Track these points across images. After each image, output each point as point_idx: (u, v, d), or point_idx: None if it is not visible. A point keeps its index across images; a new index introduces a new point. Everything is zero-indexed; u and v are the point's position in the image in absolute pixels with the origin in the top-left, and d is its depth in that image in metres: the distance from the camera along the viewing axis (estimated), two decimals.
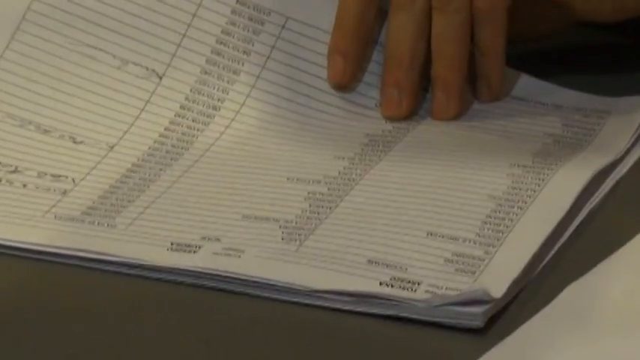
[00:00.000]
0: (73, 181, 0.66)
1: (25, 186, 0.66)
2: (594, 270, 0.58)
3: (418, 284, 0.55)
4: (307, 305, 0.56)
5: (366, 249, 0.59)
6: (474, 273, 0.56)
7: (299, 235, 0.60)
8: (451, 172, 0.66)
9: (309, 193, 0.64)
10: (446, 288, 0.55)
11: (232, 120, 0.72)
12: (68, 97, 0.72)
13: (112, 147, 0.70)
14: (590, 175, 0.65)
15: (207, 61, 0.74)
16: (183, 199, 0.66)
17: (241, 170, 0.68)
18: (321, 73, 0.73)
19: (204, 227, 0.61)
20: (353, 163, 0.67)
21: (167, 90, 0.73)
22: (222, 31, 0.73)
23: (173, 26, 0.73)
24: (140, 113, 0.72)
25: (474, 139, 0.70)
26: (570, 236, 0.62)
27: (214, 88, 0.73)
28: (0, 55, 0.73)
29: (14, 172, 0.67)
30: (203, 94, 0.72)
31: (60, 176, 0.67)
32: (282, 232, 0.61)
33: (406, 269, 0.57)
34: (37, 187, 0.65)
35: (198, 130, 0.72)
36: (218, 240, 0.60)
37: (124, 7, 0.73)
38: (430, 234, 0.60)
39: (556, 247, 0.61)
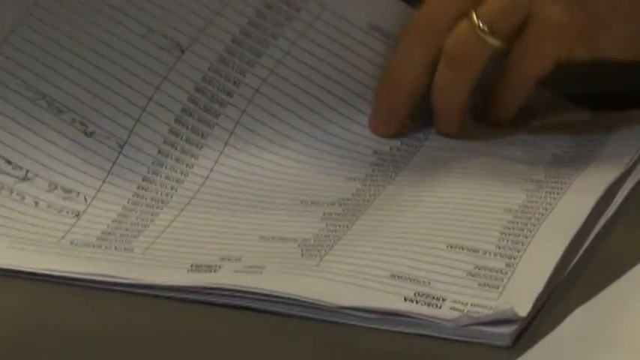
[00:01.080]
0: (85, 199, 0.66)
1: (37, 204, 0.66)
2: (604, 292, 0.59)
3: (443, 300, 0.55)
4: (330, 322, 0.56)
5: (387, 262, 0.59)
6: (497, 288, 0.57)
7: (318, 251, 0.60)
8: (464, 187, 0.66)
9: (324, 213, 0.65)
10: (471, 304, 0.55)
11: (229, 139, 0.72)
12: (82, 76, 0.70)
13: (122, 146, 0.69)
14: (603, 188, 0.66)
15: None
16: (198, 222, 0.66)
17: (253, 193, 0.68)
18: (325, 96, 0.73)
19: (223, 249, 0.62)
20: (365, 185, 0.68)
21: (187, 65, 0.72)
22: (240, 32, 0.73)
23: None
24: (154, 93, 0.70)
25: (484, 155, 0.71)
26: (587, 249, 0.62)
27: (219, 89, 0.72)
28: (19, 21, 0.71)
29: (24, 179, 0.66)
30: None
31: (71, 191, 0.66)
32: (302, 250, 0.61)
33: (429, 283, 0.57)
34: (48, 207, 0.65)
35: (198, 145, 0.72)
36: (238, 260, 0.60)
37: None
38: (450, 246, 0.60)
39: (575, 260, 0.61)
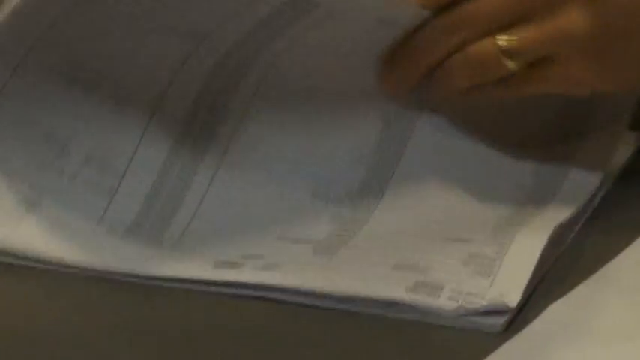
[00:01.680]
0: (117, 173, 0.69)
1: (75, 178, 0.68)
2: (581, 286, 0.64)
3: (441, 289, 0.60)
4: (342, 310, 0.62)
5: (390, 256, 0.64)
6: (489, 275, 0.62)
7: (329, 249, 0.66)
8: (454, 196, 0.71)
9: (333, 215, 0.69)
10: (467, 293, 0.60)
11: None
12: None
13: (151, 117, 0.70)
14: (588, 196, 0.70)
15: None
16: (220, 215, 0.69)
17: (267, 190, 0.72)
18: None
19: (243, 247, 0.66)
20: (370, 178, 0.71)
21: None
22: None
23: None
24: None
25: (466, 168, 0.73)
26: (571, 242, 0.68)
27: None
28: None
29: (62, 153, 0.69)
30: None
31: (106, 161, 0.69)
32: (314, 249, 0.66)
33: (428, 272, 0.62)
34: (85, 183, 0.69)
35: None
36: (260, 257, 0.65)
37: None
38: (447, 239, 0.65)
39: (564, 247, 0.66)
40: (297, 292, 0.61)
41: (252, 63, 0.71)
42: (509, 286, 0.61)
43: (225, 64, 0.70)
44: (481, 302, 0.59)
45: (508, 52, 0.69)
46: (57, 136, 0.71)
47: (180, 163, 0.71)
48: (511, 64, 0.69)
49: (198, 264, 0.65)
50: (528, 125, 0.76)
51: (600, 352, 0.60)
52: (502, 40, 0.69)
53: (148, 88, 0.70)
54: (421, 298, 0.60)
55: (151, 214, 0.70)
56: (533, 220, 0.68)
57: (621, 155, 0.76)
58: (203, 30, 0.69)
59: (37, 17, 0.67)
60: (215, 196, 0.71)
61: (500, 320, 0.59)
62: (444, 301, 0.60)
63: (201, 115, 0.72)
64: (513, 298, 0.59)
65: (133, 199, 0.70)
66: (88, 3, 0.68)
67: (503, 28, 0.69)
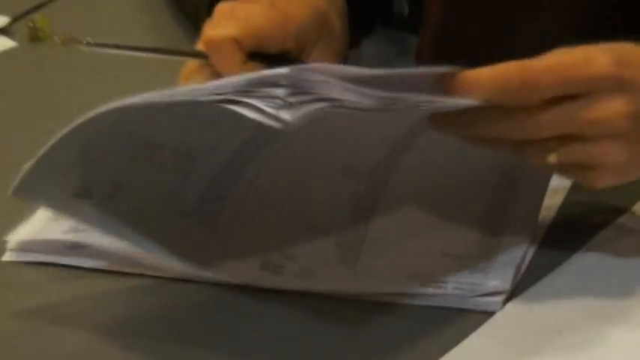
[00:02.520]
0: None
1: (161, 164, 0.77)
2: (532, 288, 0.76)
3: (446, 284, 0.74)
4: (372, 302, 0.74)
5: (405, 266, 0.76)
6: (482, 272, 0.75)
7: (350, 259, 0.77)
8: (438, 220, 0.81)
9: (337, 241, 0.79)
10: (469, 283, 0.73)
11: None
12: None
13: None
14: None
15: None
16: (254, 223, 0.79)
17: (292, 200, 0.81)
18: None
19: (281, 244, 0.77)
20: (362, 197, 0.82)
21: None
22: None
23: None
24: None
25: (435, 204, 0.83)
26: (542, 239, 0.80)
27: None
28: None
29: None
30: None
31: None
32: (340, 257, 0.77)
33: (436, 277, 0.74)
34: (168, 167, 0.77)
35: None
36: (293, 258, 0.76)
37: None
38: (445, 255, 0.77)
39: (534, 248, 0.79)
40: (333, 294, 0.74)
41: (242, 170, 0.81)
42: (501, 277, 0.74)
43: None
44: (483, 287, 0.72)
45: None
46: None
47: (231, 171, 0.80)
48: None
49: (246, 267, 0.76)
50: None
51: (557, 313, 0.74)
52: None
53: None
54: (432, 290, 0.73)
55: (206, 205, 0.79)
56: (503, 240, 0.80)
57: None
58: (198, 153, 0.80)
59: None
60: (256, 194, 0.80)
61: (500, 299, 0.72)
62: (450, 291, 0.73)
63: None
64: (507, 283, 0.73)
65: (195, 189, 0.79)
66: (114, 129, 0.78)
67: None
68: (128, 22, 1.06)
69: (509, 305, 0.76)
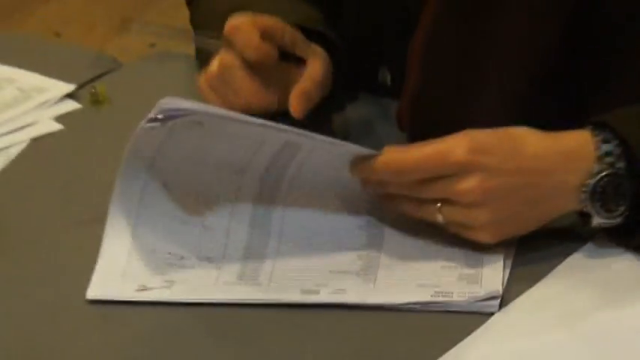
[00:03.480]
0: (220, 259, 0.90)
1: (193, 268, 0.89)
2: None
3: (452, 293, 0.85)
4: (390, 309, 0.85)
5: (413, 279, 0.87)
6: (477, 283, 0.86)
7: (369, 277, 0.88)
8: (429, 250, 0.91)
9: (359, 255, 0.90)
10: (469, 292, 0.84)
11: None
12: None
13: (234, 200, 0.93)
14: None
15: None
16: (293, 257, 0.90)
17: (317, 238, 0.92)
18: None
19: (313, 279, 0.87)
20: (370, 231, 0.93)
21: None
22: None
23: None
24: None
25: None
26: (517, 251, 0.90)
27: None
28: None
29: (182, 259, 0.90)
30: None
31: (211, 258, 0.90)
32: (360, 278, 0.88)
33: (440, 286, 0.85)
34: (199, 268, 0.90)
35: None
36: (326, 285, 0.86)
37: None
38: (443, 267, 0.88)
39: (511, 258, 0.89)
40: (359, 305, 0.85)
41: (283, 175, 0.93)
42: (493, 286, 0.85)
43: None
44: (483, 292, 0.84)
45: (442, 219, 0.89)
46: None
47: (258, 235, 0.93)
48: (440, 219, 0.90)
49: (287, 292, 0.86)
50: None
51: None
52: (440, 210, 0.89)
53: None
54: (442, 299, 0.84)
55: (252, 264, 0.90)
56: (485, 254, 0.90)
57: None
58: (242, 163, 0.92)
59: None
60: (286, 249, 0.91)
61: (495, 303, 0.84)
62: (456, 298, 0.84)
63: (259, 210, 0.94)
64: (499, 289, 0.85)
65: (235, 257, 0.90)
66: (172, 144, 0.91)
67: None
68: (180, 90, 1.05)
69: (506, 308, 0.85)
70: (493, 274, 0.88)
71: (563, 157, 0.89)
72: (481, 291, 0.85)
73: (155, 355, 0.84)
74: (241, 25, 1.00)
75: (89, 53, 1.26)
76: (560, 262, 0.90)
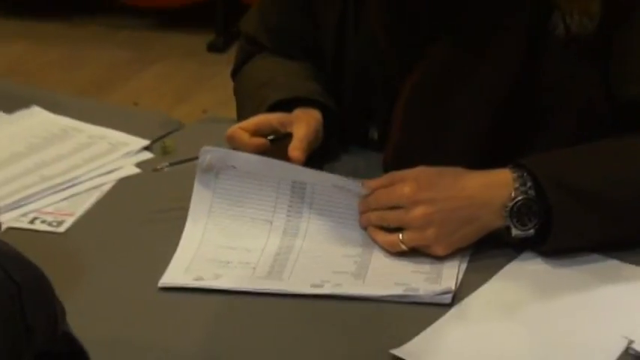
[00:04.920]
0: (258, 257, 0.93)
1: (235, 268, 0.91)
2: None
3: (419, 289, 0.88)
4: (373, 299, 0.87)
5: (393, 279, 0.90)
6: (438, 283, 0.89)
7: (360, 276, 0.90)
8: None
9: (355, 261, 0.92)
10: (431, 290, 0.87)
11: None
12: None
13: (271, 222, 0.96)
14: None
15: None
16: (314, 262, 0.92)
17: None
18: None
19: (320, 277, 0.90)
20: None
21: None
22: None
23: None
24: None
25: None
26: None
27: None
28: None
29: (228, 263, 0.92)
30: None
31: (249, 262, 0.92)
32: (353, 276, 0.91)
33: (410, 284, 0.89)
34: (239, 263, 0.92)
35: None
36: (328, 281, 0.90)
37: None
38: (414, 272, 0.91)
39: (466, 261, 0.92)
40: (353, 296, 0.88)
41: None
42: (448, 284, 0.89)
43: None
44: (439, 290, 0.87)
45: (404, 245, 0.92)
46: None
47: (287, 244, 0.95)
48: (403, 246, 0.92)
49: (301, 285, 0.89)
50: None
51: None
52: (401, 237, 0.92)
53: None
54: (411, 293, 0.87)
55: (277, 264, 0.92)
56: (445, 260, 0.92)
57: None
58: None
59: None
60: (303, 257, 0.94)
61: (449, 296, 0.87)
62: (422, 294, 0.87)
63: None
64: (452, 287, 0.88)
65: (267, 262, 0.92)
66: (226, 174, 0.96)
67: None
68: (223, 143, 1.04)
69: (463, 302, 0.87)
70: (449, 276, 0.90)
71: (485, 187, 0.92)
72: (439, 288, 0.88)
73: (202, 324, 0.86)
74: (233, 132, 1.01)
75: (159, 117, 1.25)
76: (504, 265, 0.91)
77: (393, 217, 0.93)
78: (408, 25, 0.99)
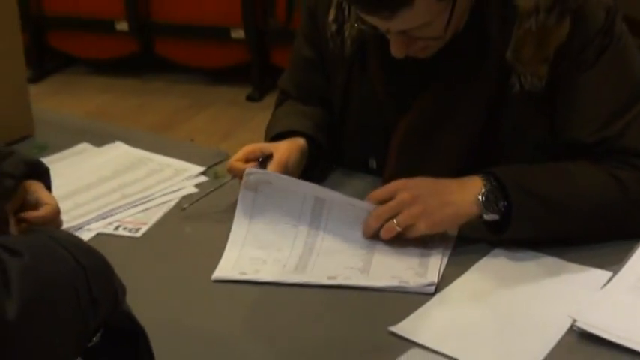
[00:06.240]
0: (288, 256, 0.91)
1: (270, 265, 0.90)
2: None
3: (409, 281, 0.87)
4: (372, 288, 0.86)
5: (390, 273, 0.88)
6: (424, 276, 0.88)
7: (365, 271, 0.89)
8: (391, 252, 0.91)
9: (361, 259, 0.90)
10: (419, 283, 0.86)
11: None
12: None
13: (297, 229, 0.93)
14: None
15: None
16: (329, 259, 0.90)
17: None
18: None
19: (333, 271, 0.89)
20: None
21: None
22: None
23: None
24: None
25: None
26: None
27: None
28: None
29: (264, 261, 0.90)
30: None
31: (280, 260, 0.91)
32: (359, 271, 0.89)
33: (402, 277, 0.87)
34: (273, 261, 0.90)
35: None
36: (335, 277, 0.87)
37: None
38: (407, 268, 0.88)
39: (446, 258, 0.90)
40: (359, 286, 0.87)
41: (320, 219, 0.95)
42: (432, 277, 0.87)
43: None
44: (425, 282, 0.86)
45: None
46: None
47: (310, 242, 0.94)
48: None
49: (320, 277, 0.88)
50: None
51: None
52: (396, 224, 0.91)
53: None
54: (404, 284, 0.86)
55: (301, 261, 0.91)
56: (430, 258, 0.90)
57: None
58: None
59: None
60: (321, 257, 0.92)
61: (432, 287, 0.86)
62: (412, 285, 0.86)
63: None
64: (435, 280, 0.87)
65: (293, 260, 0.91)
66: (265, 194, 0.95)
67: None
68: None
69: (445, 290, 0.86)
70: (433, 271, 0.89)
71: (460, 185, 0.91)
72: (425, 281, 0.87)
73: (245, 307, 0.85)
74: (230, 165, 0.99)
75: (211, 150, 1.22)
76: (476, 262, 0.89)
77: (387, 209, 0.91)
78: (400, 82, 1.00)
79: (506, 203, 0.89)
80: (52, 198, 0.88)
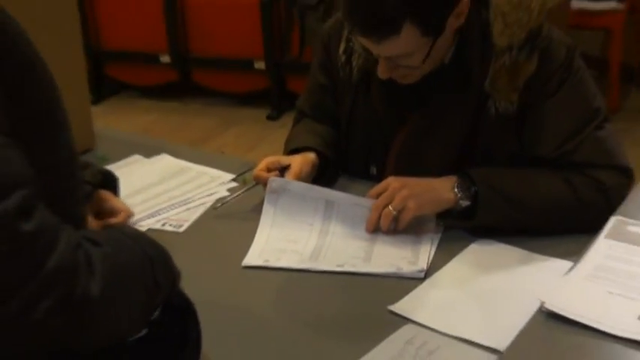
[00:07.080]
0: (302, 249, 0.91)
1: (289, 254, 0.90)
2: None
3: (403, 268, 0.86)
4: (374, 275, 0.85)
5: (386, 261, 0.87)
6: (415, 264, 0.87)
7: (367, 260, 0.87)
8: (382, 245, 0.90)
9: (364, 250, 0.89)
10: (412, 269, 0.86)
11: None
12: None
13: (312, 225, 0.92)
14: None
15: None
16: (338, 250, 0.88)
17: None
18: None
19: (341, 259, 0.87)
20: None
21: None
22: None
23: None
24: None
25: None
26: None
27: None
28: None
29: (284, 251, 0.90)
30: None
31: (298, 250, 0.90)
32: (362, 261, 0.87)
33: (398, 265, 0.87)
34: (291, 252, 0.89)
35: None
36: (348, 263, 0.86)
37: None
38: (401, 258, 0.87)
39: (434, 249, 0.90)
40: (363, 273, 0.87)
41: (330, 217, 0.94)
42: (422, 265, 0.87)
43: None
44: (416, 269, 0.86)
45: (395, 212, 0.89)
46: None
47: (322, 237, 0.93)
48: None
49: (330, 265, 0.88)
50: None
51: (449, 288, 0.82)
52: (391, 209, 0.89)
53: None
54: (399, 271, 0.86)
55: (315, 252, 0.91)
56: (420, 248, 0.90)
57: None
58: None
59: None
60: (330, 249, 0.92)
61: (422, 273, 0.86)
62: (406, 271, 0.86)
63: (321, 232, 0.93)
64: (424, 267, 0.86)
65: (308, 251, 0.91)
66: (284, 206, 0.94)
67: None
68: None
69: (434, 275, 0.85)
70: (423, 259, 0.89)
71: (439, 179, 0.92)
72: (416, 268, 0.87)
73: (270, 290, 0.84)
74: (257, 174, 0.98)
75: (239, 161, 1.20)
76: (460, 252, 0.89)
77: (382, 198, 0.90)
78: (397, 103, 1.00)
79: (476, 188, 0.90)
80: (124, 205, 0.88)
